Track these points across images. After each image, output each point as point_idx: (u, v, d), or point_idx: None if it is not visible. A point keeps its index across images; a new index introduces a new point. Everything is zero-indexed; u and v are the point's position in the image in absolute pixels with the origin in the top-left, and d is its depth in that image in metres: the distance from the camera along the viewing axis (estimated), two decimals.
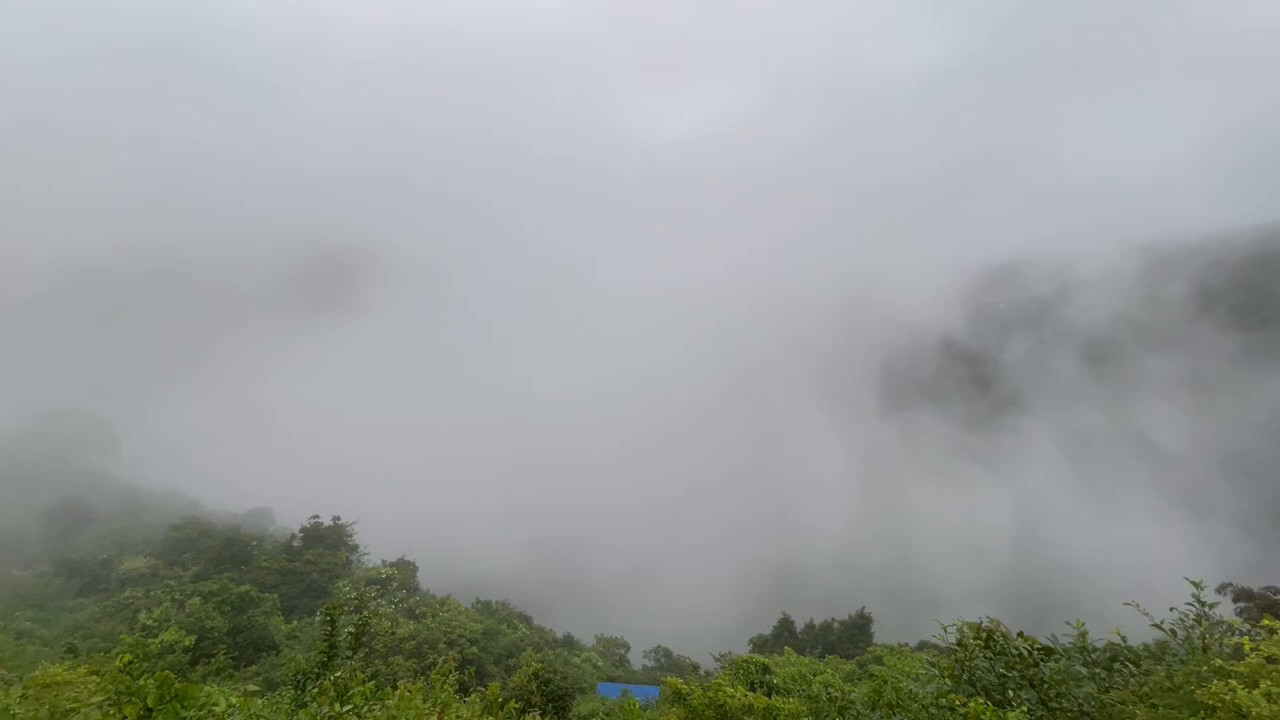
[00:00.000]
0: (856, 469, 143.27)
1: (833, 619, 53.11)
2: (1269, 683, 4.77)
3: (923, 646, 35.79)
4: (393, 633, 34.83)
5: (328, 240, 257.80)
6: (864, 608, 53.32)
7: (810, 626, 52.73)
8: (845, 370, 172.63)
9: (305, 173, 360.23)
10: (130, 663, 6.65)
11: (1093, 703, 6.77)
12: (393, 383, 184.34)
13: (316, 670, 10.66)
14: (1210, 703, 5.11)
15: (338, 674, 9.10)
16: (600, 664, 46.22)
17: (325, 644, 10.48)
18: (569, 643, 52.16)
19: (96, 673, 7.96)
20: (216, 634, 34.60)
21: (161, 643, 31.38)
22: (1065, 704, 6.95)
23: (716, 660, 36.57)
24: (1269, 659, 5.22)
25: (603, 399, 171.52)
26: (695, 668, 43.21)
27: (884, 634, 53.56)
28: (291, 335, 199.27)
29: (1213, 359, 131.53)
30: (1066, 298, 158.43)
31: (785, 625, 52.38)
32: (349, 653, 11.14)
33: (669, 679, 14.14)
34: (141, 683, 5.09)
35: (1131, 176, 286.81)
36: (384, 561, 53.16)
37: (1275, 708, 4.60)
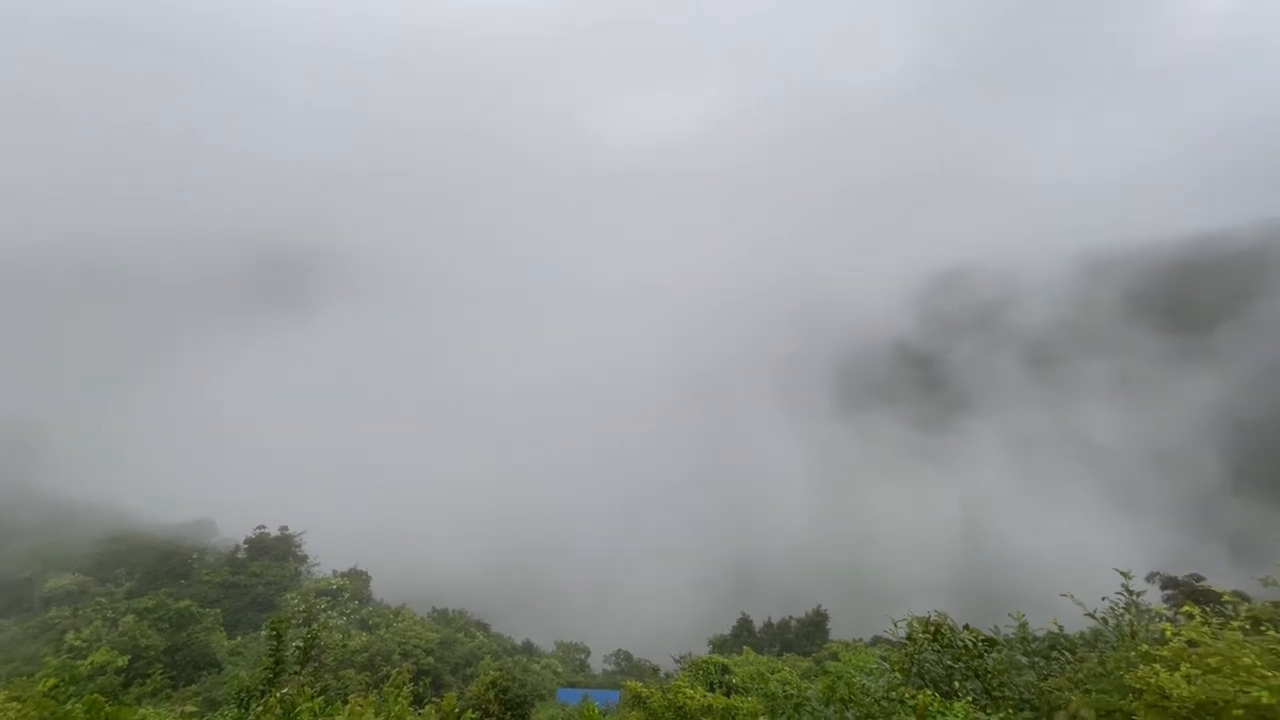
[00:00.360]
0: (815, 469, 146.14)
1: (790, 617, 54.05)
2: (1188, 665, 5.05)
3: (876, 641, 36.73)
4: (344, 645, 33.67)
5: (284, 238, 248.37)
6: (820, 605, 54.42)
7: (769, 625, 53.53)
8: (803, 373, 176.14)
9: (261, 167, 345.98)
10: (55, 687, 6.24)
11: (1032, 690, 7.06)
12: (349, 387, 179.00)
13: (261, 687, 10.22)
14: (1137, 686, 5.36)
15: (284, 690, 8.76)
16: (560, 670, 45.77)
17: (271, 659, 10.06)
18: (528, 649, 51.49)
19: (18, 699, 7.44)
20: (153, 653, 32.75)
21: (91, 664, 29.52)
22: (1007, 692, 7.24)
23: (676, 662, 36.68)
24: (1189, 643, 5.51)
25: (565, 403, 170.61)
26: (655, 670, 43.22)
27: (841, 630, 54.72)
28: (242, 336, 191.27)
29: (1143, 361, 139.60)
30: (1011, 302, 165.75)
31: (744, 625, 53.01)
32: (296, 668, 10.72)
33: (629, 683, 14.13)
34: (68, 707, 4.78)
35: (1072, 188, 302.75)
36: (335, 572, 51.40)
37: (1194, 688, 4.86)
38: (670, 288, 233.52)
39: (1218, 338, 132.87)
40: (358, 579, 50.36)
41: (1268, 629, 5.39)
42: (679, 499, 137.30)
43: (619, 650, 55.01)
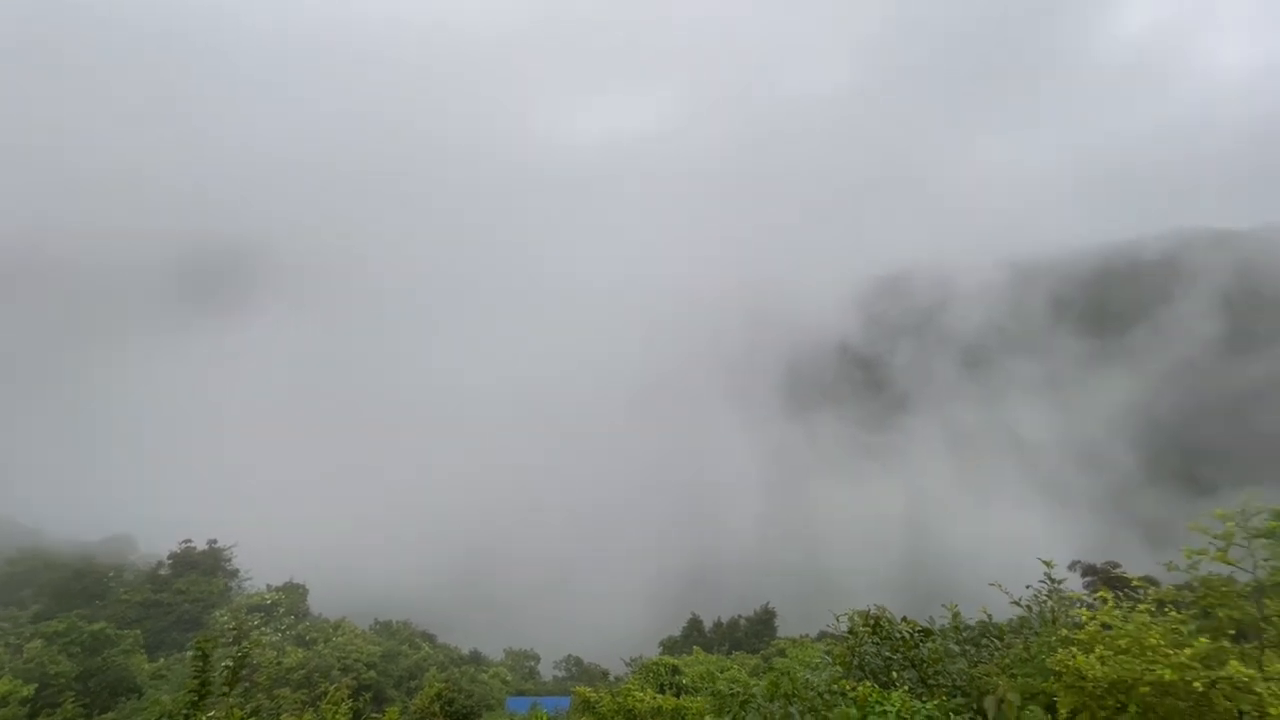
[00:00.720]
0: (766, 469, 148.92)
1: (740, 616, 54.86)
2: (1101, 647, 5.33)
3: (822, 636, 37.65)
4: (278, 663, 32.04)
5: (223, 235, 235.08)
6: (769, 603, 55.43)
7: (718, 625, 54.17)
8: (754, 374, 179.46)
9: (199, 161, 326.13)
10: None
11: (964, 677, 7.33)
12: (289, 392, 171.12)
13: (185, 711, 9.57)
14: (1057, 669, 5.62)
15: (211, 714, 8.25)
16: (509, 678, 44.95)
17: (196, 681, 9.44)
18: (476, 659, 50.34)
19: None
20: (63, 680, 30.32)
21: None
22: (941, 680, 7.50)
23: (627, 665, 36.62)
24: (1104, 626, 5.81)
25: (517, 406, 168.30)
26: (605, 674, 43.01)
27: (790, 626, 55.83)
28: (172, 337, 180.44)
29: (1066, 362, 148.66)
30: (947, 307, 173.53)
31: (694, 625, 53.45)
32: (225, 689, 10.12)
33: (578, 688, 13.99)
34: None
35: (1003, 199, 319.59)
36: (269, 586, 48.86)
37: (1106, 669, 5.12)
38: (623, 290, 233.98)
39: (1132, 340, 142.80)
40: (294, 593, 48.06)
41: (1170, 610, 5.77)
42: (633, 501, 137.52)
43: (569, 656, 54.55)
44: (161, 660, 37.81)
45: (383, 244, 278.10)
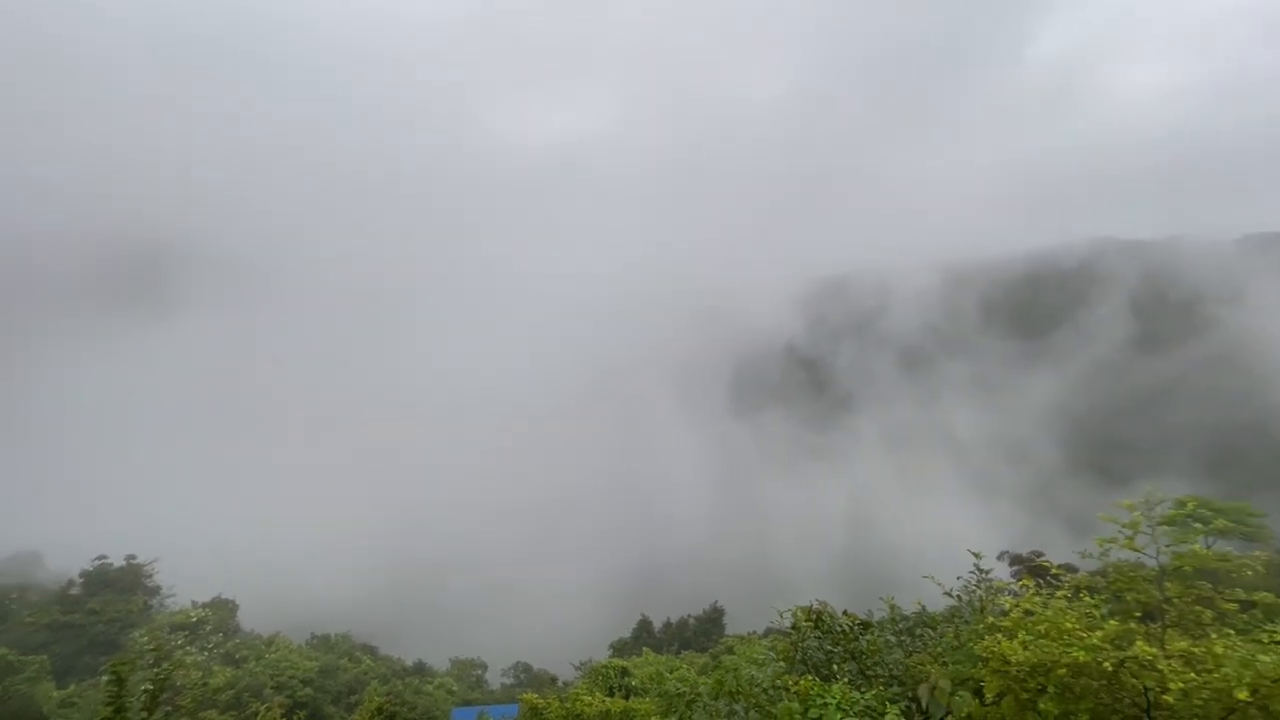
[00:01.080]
0: (714, 469, 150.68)
1: (689, 615, 55.27)
2: (1024, 633, 5.61)
3: (769, 632, 38.41)
4: (204, 684, 30.17)
5: (137, 233, 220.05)
6: (717, 601, 56.09)
7: (668, 625, 54.40)
8: (702, 374, 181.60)
9: (113, 154, 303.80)
10: None
11: (900, 666, 7.61)
12: (212, 395, 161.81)
13: None
14: (984, 655, 5.87)
15: None
16: (455, 688, 43.78)
17: (111, 708, 8.77)
18: (420, 670, 48.79)
19: None
20: None
21: None
22: (879, 671, 7.76)
23: (577, 669, 36.34)
24: (1026, 613, 6.12)
25: (460, 408, 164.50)
26: (553, 680, 42.54)
27: (739, 623, 56.58)
28: (80, 340, 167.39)
29: (995, 362, 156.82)
30: (886, 310, 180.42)
31: (644, 626, 53.52)
32: (144, 714, 9.45)
33: (525, 695, 13.76)
34: None
35: (938, 206, 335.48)
36: (195, 603, 45.89)
37: (1028, 653, 5.40)
38: (571, 289, 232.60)
39: (1054, 342, 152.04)
40: (223, 609, 45.34)
41: (1084, 595, 6.15)
42: (583, 503, 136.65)
43: (518, 663, 53.64)
44: (72, 687, 34.97)
45: (319, 242, 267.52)
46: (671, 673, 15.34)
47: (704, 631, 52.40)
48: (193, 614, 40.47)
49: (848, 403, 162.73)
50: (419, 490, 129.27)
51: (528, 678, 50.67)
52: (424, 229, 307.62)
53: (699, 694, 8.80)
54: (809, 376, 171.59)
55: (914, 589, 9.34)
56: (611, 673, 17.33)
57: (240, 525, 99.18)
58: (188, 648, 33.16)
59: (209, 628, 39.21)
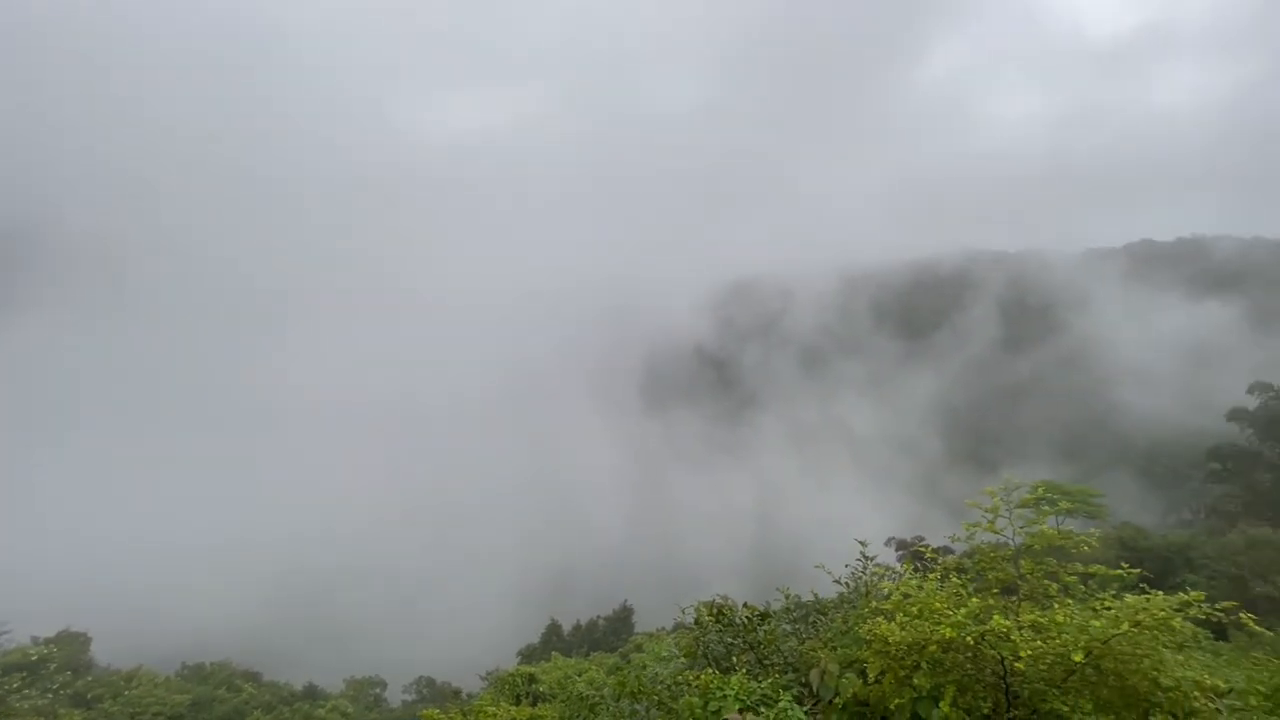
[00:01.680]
0: (627, 468, 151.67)
1: (598, 616, 55.24)
2: (901, 615, 6.00)
3: (677, 629, 39.16)
4: None
5: None
6: (626, 600, 56.43)
7: (577, 627, 54.08)
8: (613, 375, 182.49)
9: None
10: None
11: (795, 654, 7.94)
12: (69, 397, 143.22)
13: None
14: (868, 637, 6.23)
15: None
16: (350, 710, 41.08)
17: None
18: (311, 694, 45.39)
19: None
20: None
21: None
22: (775, 659, 8.06)
23: (484, 679, 35.30)
24: (905, 595, 6.55)
25: (361, 414, 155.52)
26: (457, 693, 41.08)
27: (655, 621, 57.07)
28: None
29: (885, 362, 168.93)
30: (788, 312, 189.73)
31: (553, 630, 52.92)
32: None
33: (425, 712, 13.13)
34: None
35: (834, 214, 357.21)
36: (36, 639, 40.04)
37: (905, 633, 5.77)
38: (481, 289, 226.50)
39: (935, 342, 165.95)
40: (72, 643, 39.79)
41: (953, 576, 6.69)
42: (494, 507, 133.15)
43: (420, 677, 51.24)
44: None
45: (205, 241, 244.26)
46: (580, 675, 15.23)
47: (614, 631, 52.44)
48: (34, 651, 35.07)
49: (754, 401, 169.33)
50: (314, 499, 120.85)
51: (431, 693, 48.53)
52: (323, 226, 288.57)
53: (602, 696, 8.77)
54: (718, 375, 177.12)
55: (814, 577, 9.78)
56: (519, 680, 16.96)
57: (96, 547, 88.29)
58: (26, 690, 28.83)
59: (54, 665, 34.20)
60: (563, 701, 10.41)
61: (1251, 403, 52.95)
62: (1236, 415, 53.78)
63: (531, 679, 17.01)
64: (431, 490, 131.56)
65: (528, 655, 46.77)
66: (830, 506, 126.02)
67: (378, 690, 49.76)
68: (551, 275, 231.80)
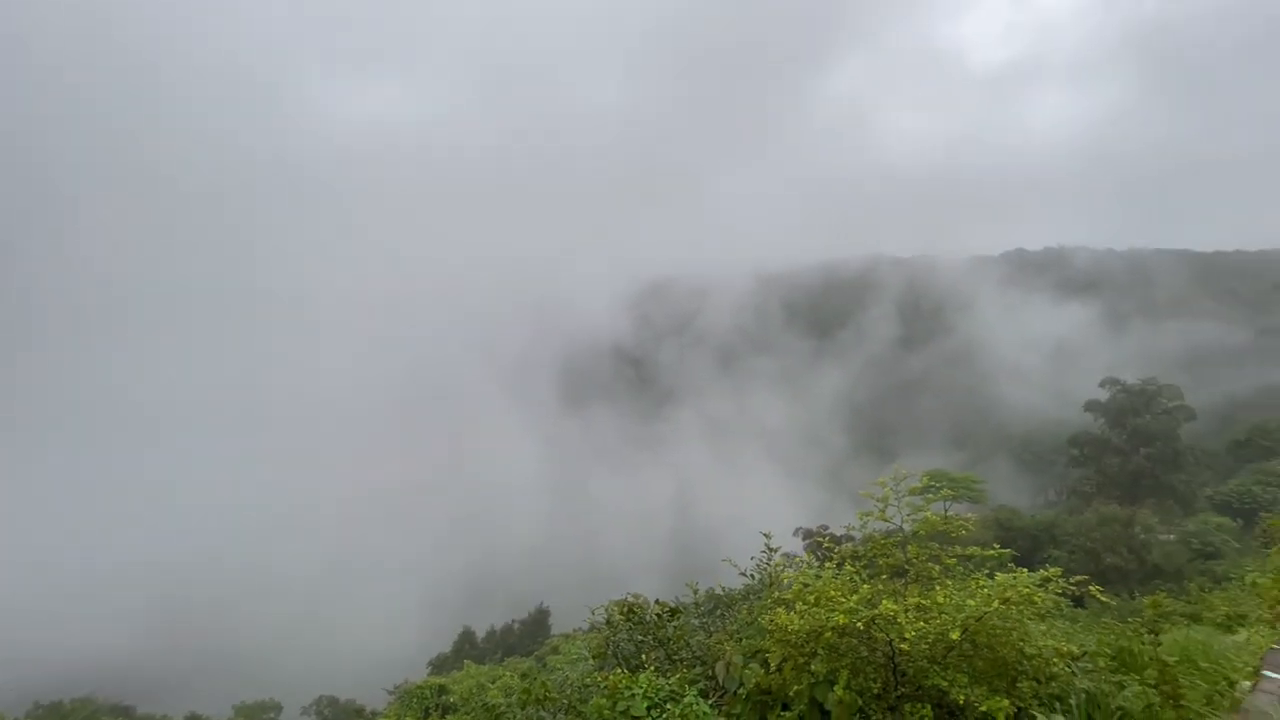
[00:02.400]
0: (546, 467, 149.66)
1: (514, 621, 54.06)
2: (801, 604, 6.19)
3: (594, 629, 39.03)
4: None
5: None
6: (542, 603, 55.48)
7: (491, 633, 52.65)
8: (532, 373, 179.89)
9: None
10: None
11: (703, 647, 8.05)
12: None
13: None
14: (769, 628, 6.38)
15: None
16: None
17: None
18: None
19: None
20: None
21: None
22: (684, 654, 8.13)
23: (390, 694, 33.68)
24: (805, 585, 6.76)
25: (253, 416, 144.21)
26: (360, 711, 38.98)
27: (573, 621, 56.36)
28: None
29: (794, 359, 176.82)
30: (702, 311, 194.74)
31: (466, 638, 51.19)
32: None
33: None
34: None
35: (745, 218, 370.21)
36: None
37: (803, 622, 5.96)
38: (394, 288, 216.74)
39: (840, 340, 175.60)
40: None
41: (848, 564, 7.00)
42: (405, 513, 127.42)
43: (321, 697, 48.09)
44: None
45: (78, 234, 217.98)
46: (494, 682, 14.77)
47: (529, 635, 51.36)
48: None
49: (671, 398, 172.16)
50: (199, 515, 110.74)
51: (333, 712, 45.68)
52: (219, 219, 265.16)
53: (510, 705, 8.52)
54: (635, 373, 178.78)
55: (727, 571, 9.96)
56: (427, 693, 16.21)
57: None
58: None
59: None
60: (468, 714, 10.05)
61: (1103, 395, 59.36)
62: (1091, 407, 60.14)
63: (442, 690, 16.31)
64: (333, 496, 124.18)
65: (439, 665, 44.89)
66: (746, 499, 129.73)
67: (272, 715, 46.28)
68: (469, 274, 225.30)
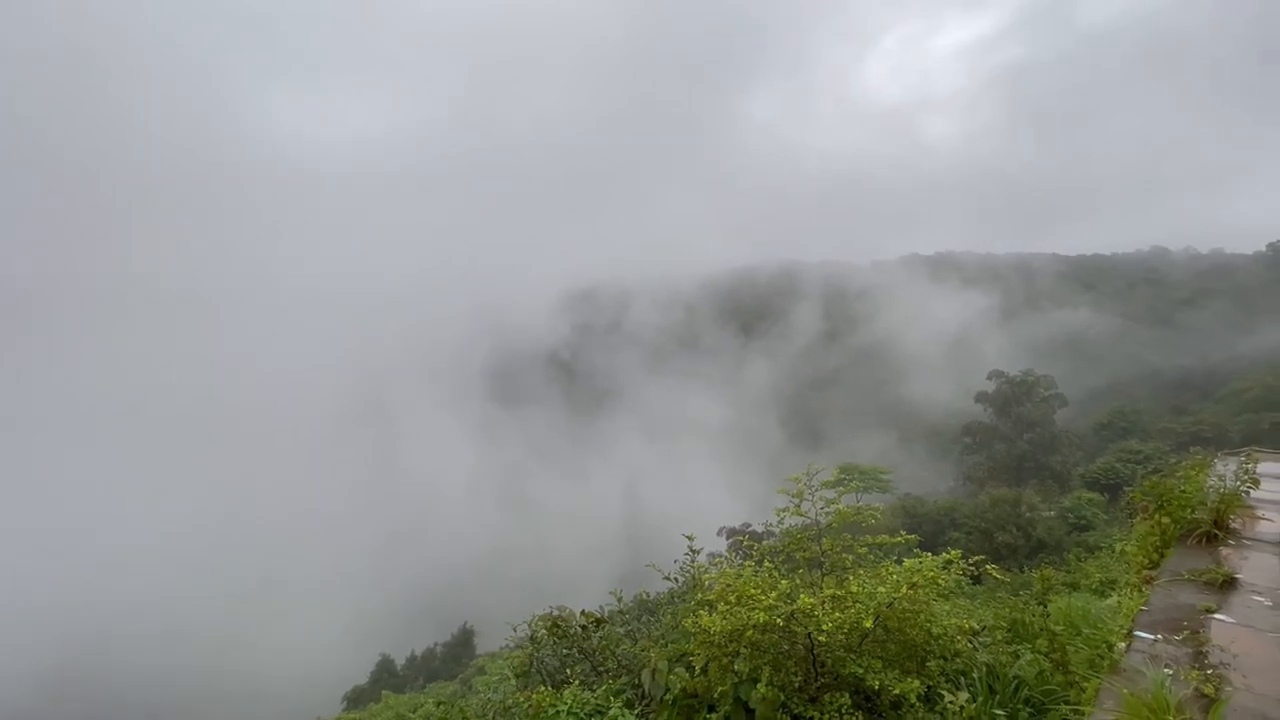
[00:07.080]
0: (486, 476, 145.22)
1: (436, 643, 51.40)
2: (723, 604, 6.20)
3: (518, 646, 37.97)
4: None
5: None
6: (466, 622, 52.95)
7: (411, 659, 49.95)
8: (467, 380, 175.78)
9: None
10: None
11: (629, 656, 7.94)
12: None
13: None
14: (693, 630, 6.35)
15: None
16: None
17: None
18: None
19: None
20: None
21: None
22: (610, 664, 8.00)
23: None
24: (727, 585, 6.78)
25: (160, 425, 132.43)
26: None
27: (506, 637, 54.00)
28: None
29: (726, 358, 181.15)
30: (633, 314, 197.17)
31: (385, 666, 48.29)
32: None
33: None
34: None
35: (672, 228, 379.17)
36: None
37: (725, 622, 5.96)
38: (329, 295, 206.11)
39: (767, 339, 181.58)
40: None
41: (767, 561, 7.10)
42: (337, 530, 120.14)
43: None
44: None
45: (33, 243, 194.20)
46: (414, 711, 13.97)
47: (453, 657, 48.90)
48: None
49: (609, 396, 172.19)
50: (87, 546, 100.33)
51: None
52: (161, 231, 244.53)
53: None
54: (573, 373, 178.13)
55: (657, 575, 9.82)
56: None
57: None
58: None
59: None
60: None
61: (990, 386, 63.91)
62: (980, 397, 64.64)
63: None
64: (260, 520, 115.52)
65: (355, 699, 42.00)
66: (688, 496, 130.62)
67: None
68: (397, 278, 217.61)
